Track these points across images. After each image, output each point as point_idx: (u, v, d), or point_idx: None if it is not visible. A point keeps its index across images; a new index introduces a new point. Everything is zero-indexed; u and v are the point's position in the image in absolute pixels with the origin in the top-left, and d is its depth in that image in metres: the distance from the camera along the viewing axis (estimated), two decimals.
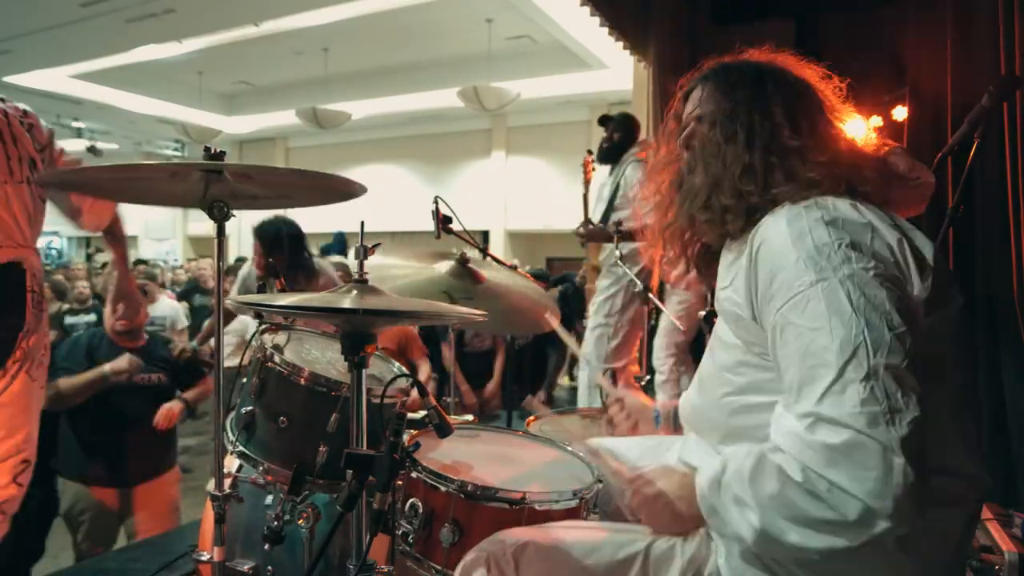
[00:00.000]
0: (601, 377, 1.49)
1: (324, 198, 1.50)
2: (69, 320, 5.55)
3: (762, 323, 0.97)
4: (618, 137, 3.65)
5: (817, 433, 0.82)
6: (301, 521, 1.42)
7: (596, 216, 3.61)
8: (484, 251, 2.17)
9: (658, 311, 3.28)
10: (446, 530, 1.24)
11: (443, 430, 1.22)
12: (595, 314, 3.62)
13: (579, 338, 4.10)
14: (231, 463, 1.51)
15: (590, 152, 3.72)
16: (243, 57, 10.82)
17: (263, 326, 1.58)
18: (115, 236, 2.27)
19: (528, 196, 12.02)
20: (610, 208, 3.58)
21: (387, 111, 12.04)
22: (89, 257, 14.16)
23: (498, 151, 12.60)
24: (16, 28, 8.81)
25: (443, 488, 1.27)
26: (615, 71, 9.14)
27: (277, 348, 1.48)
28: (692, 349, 3.60)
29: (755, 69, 1.13)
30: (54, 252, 16.67)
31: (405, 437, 1.33)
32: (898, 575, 0.90)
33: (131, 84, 11.53)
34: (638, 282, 2.74)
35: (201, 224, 13.56)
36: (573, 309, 5.57)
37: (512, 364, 4.30)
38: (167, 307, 5.73)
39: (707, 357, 1.17)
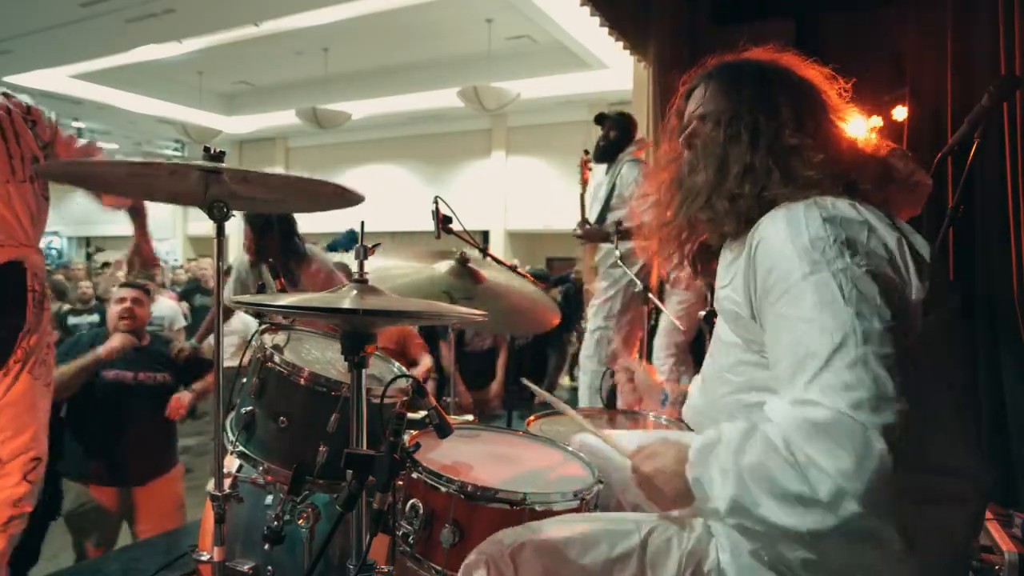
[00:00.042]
0: (623, 357, 1.51)
1: (323, 204, 1.50)
2: (72, 320, 5.57)
3: (760, 320, 0.97)
4: (614, 136, 3.63)
5: (804, 411, 0.83)
6: (301, 521, 1.42)
7: (592, 216, 3.59)
8: (484, 251, 2.17)
9: (658, 311, 3.29)
10: (446, 531, 1.24)
11: (443, 430, 1.22)
12: (594, 317, 3.61)
13: (579, 338, 4.09)
14: (231, 463, 1.51)
15: (587, 152, 3.70)
16: (243, 57, 10.82)
17: (263, 326, 1.58)
18: (137, 211, 2.29)
19: (528, 196, 12.01)
20: (606, 208, 3.56)
21: (387, 111, 12.03)
22: (89, 256, 14.15)
23: (498, 151, 12.59)
24: (16, 28, 8.81)
25: (443, 489, 1.27)
26: (615, 71, 9.14)
27: (277, 348, 1.48)
28: (692, 349, 3.59)
29: (759, 68, 1.13)
30: (54, 252, 16.67)
31: (405, 437, 1.33)
32: (903, 574, 0.90)
33: (131, 84, 11.53)
34: (638, 282, 2.75)
35: (201, 224, 13.54)
36: (575, 309, 5.57)
37: (512, 364, 4.30)
38: (166, 307, 5.73)
39: (709, 357, 1.17)
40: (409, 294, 1.81)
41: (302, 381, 1.42)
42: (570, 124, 11.14)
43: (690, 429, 1.34)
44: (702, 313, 2.64)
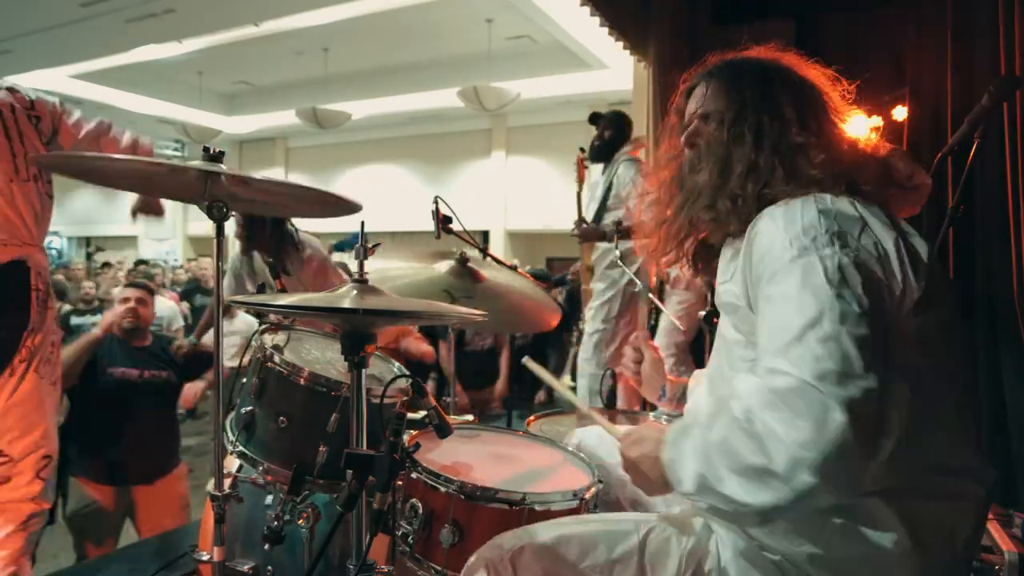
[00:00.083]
0: (641, 340, 1.50)
1: (322, 211, 1.51)
2: (75, 320, 5.59)
3: (755, 308, 0.97)
4: (609, 135, 3.62)
5: (767, 380, 0.83)
6: (301, 521, 1.42)
7: (589, 216, 3.57)
8: (484, 251, 2.17)
9: (658, 311, 3.28)
10: (446, 531, 1.24)
11: (443, 430, 1.22)
12: (592, 319, 3.59)
13: (579, 339, 4.08)
14: (231, 463, 1.51)
15: (583, 150, 3.67)
16: (243, 57, 10.82)
17: (263, 326, 1.58)
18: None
19: (528, 196, 12.01)
20: (603, 207, 3.55)
21: (387, 111, 12.03)
22: (89, 256, 14.16)
23: (498, 151, 12.59)
24: (16, 28, 8.81)
25: (443, 489, 1.27)
26: (615, 71, 9.13)
27: (277, 348, 1.48)
28: (692, 349, 3.59)
29: (761, 67, 1.13)
30: (54, 252, 16.66)
31: (405, 437, 1.34)
32: (908, 574, 0.90)
33: (131, 84, 11.52)
34: (638, 282, 2.74)
35: (201, 224, 13.54)
36: (576, 309, 5.56)
37: (512, 364, 4.29)
38: (164, 307, 5.74)
39: (712, 356, 1.17)
40: (409, 294, 1.81)
41: (302, 381, 1.42)
42: (570, 124, 11.12)
43: None
44: (702, 313, 2.63)
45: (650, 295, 2.72)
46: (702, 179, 1.10)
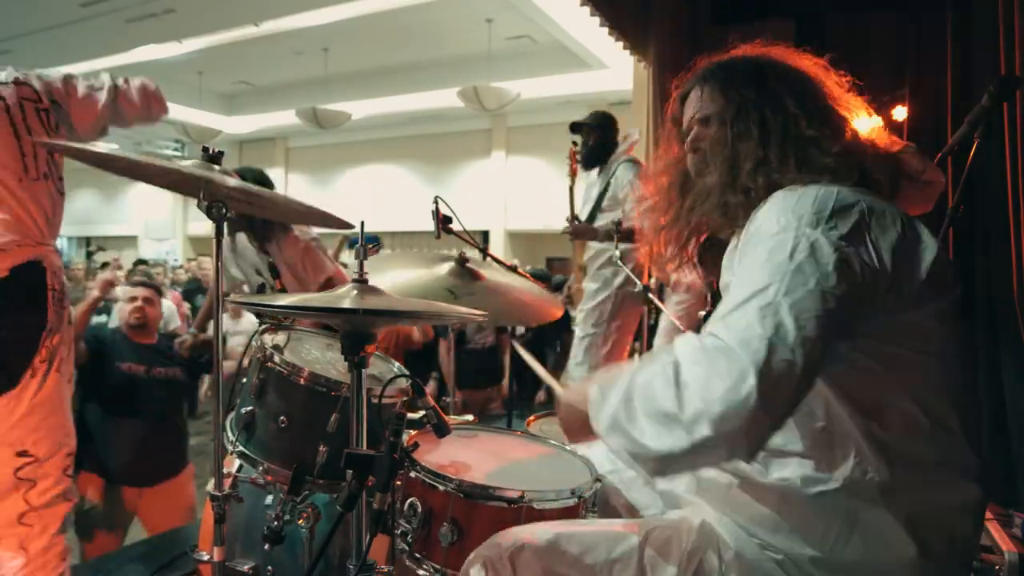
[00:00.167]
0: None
1: (317, 222, 1.53)
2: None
3: None
4: (595, 140, 3.53)
5: (701, 339, 0.85)
6: (301, 521, 1.42)
7: (583, 215, 3.50)
8: (484, 251, 2.16)
9: (658, 311, 3.27)
10: (445, 529, 1.24)
11: (441, 430, 1.22)
12: (583, 323, 3.51)
13: None
14: (231, 463, 1.51)
15: (575, 143, 3.57)
16: (243, 57, 10.82)
17: (263, 326, 1.59)
18: None
19: (528, 196, 12.01)
20: (597, 208, 3.49)
21: (387, 111, 12.03)
22: (89, 256, 14.15)
23: (498, 151, 12.59)
24: (16, 28, 8.82)
25: (441, 487, 1.27)
26: (615, 71, 9.13)
27: (277, 348, 1.48)
28: None
29: (753, 64, 1.12)
30: None
31: (404, 437, 1.34)
32: (908, 574, 0.90)
33: None
34: (637, 282, 2.74)
35: (201, 224, 13.55)
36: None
37: (512, 363, 4.28)
38: (163, 307, 5.74)
39: None
40: (410, 292, 1.80)
41: (302, 381, 1.42)
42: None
43: None
44: (702, 313, 2.63)
45: (650, 295, 2.71)
46: (711, 180, 1.10)
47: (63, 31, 8.89)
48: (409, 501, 1.31)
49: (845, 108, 1.10)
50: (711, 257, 1.20)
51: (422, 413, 1.23)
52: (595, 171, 3.61)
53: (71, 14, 8.37)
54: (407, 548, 1.28)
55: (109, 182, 15.87)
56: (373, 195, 13.32)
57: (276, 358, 1.44)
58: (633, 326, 3.49)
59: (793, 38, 3.37)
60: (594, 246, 3.52)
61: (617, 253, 2.84)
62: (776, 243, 0.89)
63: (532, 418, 1.99)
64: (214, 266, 1.39)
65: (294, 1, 8.37)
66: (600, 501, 1.33)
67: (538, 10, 8.28)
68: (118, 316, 2.83)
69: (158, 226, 16.34)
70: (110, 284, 2.84)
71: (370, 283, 1.19)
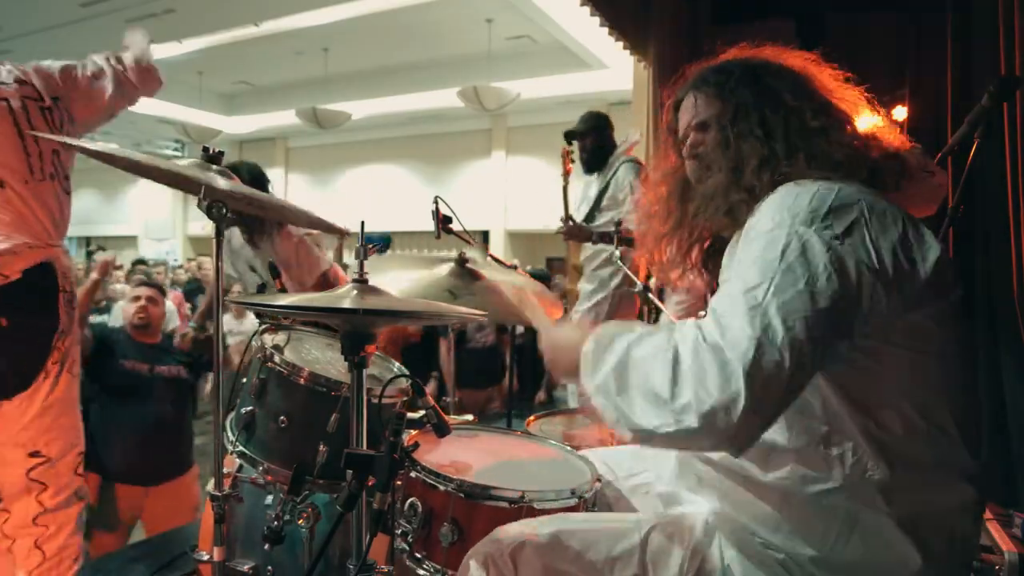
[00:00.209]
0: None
1: (314, 225, 1.53)
2: None
3: None
4: (592, 144, 3.52)
5: (698, 331, 0.86)
6: (301, 521, 1.42)
7: (580, 215, 3.48)
8: (484, 251, 2.16)
9: (658, 311, 3.27)
10: (445, 529, 1.24)
11: (441, 430, 1.22)
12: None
13: None
14: (231, 463, 1.51)
15: (569, 143, 3.55)
16: (243, 57, 10.82)
17: (263, 326, 1.59)
18: None
19: (528, 196, 12.00)
20: (595, 208, 3.46)
21: (387, 111, 12.02)
22: (89, 255, 14.15)
23: (498, 151, 12.59)
24: (16, 28, 8.81)
25: (442, 487, 1.27)
26: (615, 71, 9.13)
27: (277, 348, 1.48)
28: None
29: (745, 65, 1.12)
30: None
31: (404, 437, 1.34)
32: (908, 574, 0.90)
33: None
34: (637, 281, 2.73)
35: (201, 224, 13.55)
36: None
37: (513, 362, 4.27)
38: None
39: None
40: (410, 293, 1.80)
41: (302, 381, 1.42)
42: (570, 124, 11.10)
43: None
44: (702, 313, 2.62)
45: (650, 295, 2.71)
46: (713, 183, 1.09)
47: (63, 31, 8.89)
48: (409, 501, 1.31)
49: (843, 101, 1.10)
50: (716, 262, 1.19)
51: (422, 413, 1.23)
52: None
53: (71, 14, 8.37)
54: (407, 548, 1.28)
55: (109, 182, 15.88)
56: (373, 195, 13.31)
57: (276, 358, 1.45)
58: None
59: (793, 38, 3.38)
60: (591, 247, 3.49)
61: (617, 252, 2.83)
62: (769, 240, 0.89)
63: (532, 418, 2.00)
64: (214, 266, 1.39)
65: (294, 1, 8.36)
66: (601, 504, 1.34)
67: (538, 10, 8.28)
68: (121, 315, 2.83)
69: (158, 226, 16.33)
70: (109, 265, 2.83)
71: (370, 283, 1.20)
